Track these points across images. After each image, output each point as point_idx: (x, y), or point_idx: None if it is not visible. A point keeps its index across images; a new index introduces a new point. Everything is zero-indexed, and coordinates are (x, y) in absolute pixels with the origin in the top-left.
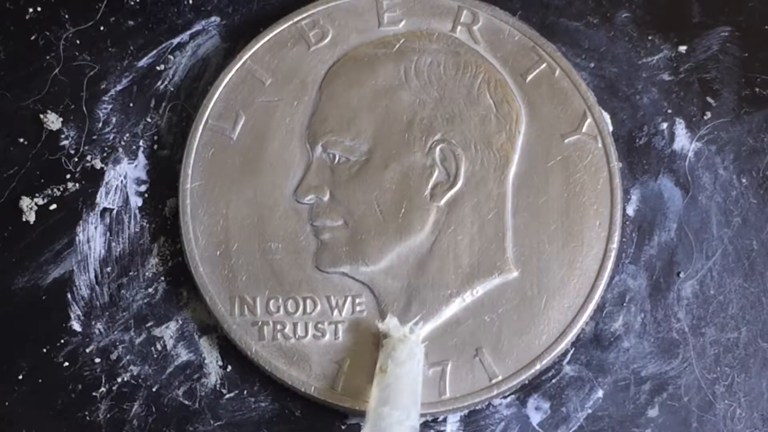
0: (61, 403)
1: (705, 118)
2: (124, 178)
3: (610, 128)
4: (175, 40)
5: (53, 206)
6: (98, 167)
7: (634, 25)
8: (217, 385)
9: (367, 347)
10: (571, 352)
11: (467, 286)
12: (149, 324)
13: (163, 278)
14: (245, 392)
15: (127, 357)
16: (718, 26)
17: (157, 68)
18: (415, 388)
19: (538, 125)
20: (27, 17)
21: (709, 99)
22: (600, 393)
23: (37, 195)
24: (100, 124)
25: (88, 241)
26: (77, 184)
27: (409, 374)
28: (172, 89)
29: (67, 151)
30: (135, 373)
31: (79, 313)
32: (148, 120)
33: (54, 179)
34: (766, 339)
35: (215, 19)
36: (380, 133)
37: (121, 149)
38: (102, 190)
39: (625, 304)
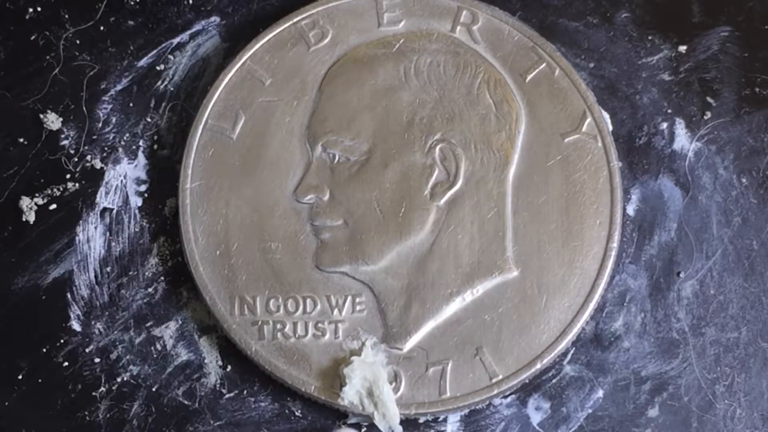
0: (61, 403)
1: (705, 118)
2: (124, 178)
3: (610, 128)
4: (175, 40)
5: (53, 206)
6: (98, 167)
7: (634, 25)
8: (217, 385)
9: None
10: (572, 351)
11: (467, 286)
12: (149, 324)
13: (162, 278)
14: (245, 392)
15: (127, 357)
16: (718, 26)
17: (157, 68)
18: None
19: (537, 125)
20: (27, 17)
21: (709, 99)
22: (600, 393)
23: (37, 195)
24: (100, 124)
25: (88, 241)
26: (77, 184)
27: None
28: (172, 89)
29: (67, 151)
30: (135, 373)
31: (79, 313)
32: (148, 120)
33: (54, 179)
34: (766, 339)
35: (215, 19)
36: (380, 133)
37: (121, 149)
38: (102, 190)
39: (625, 304)
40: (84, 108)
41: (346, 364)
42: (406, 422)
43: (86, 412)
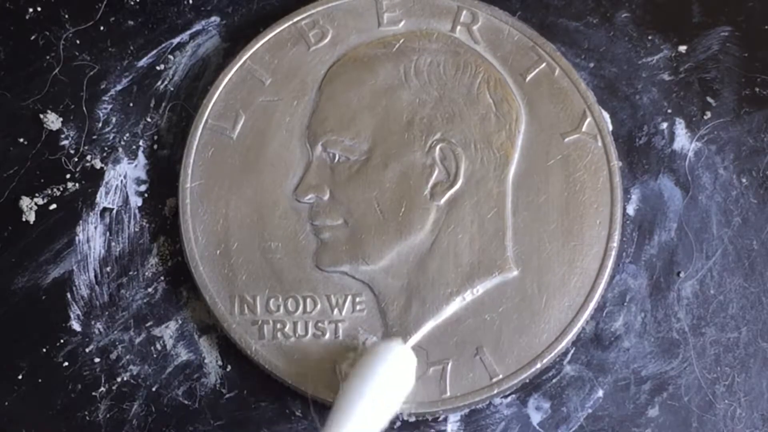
0: (61, 403)
1: (705, 118)
2: (124, 177)
3: (610, 128)
4: (175, 40)
5: (53, 206)
6: (98, 167)
7: (634, 25)
8: (217, 385)
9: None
10: (572, 351)
11: (467, 285)
12: (149, 324)
13: (162, 278)
14: (245, 392)
15: (127, 357)
16: (718, 26)
17: (157, 68)
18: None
19: (537, 124)
20: (27, 17)
21: (709, 99)
22: (600, 393)
23: (37, 195)
24: (100, 124)
25: (88, 241)
26: (77, 184)
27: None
28: (172, 89)
29: (67, 151)
30: (135, 373)
31: (79, 312)
32: (148, 120)
33: (54, 179)
34: (766, 339)
35: (215, 19)
36: (380, 133)
37: (121, 149)
38: (102, 189)
39: (625, 304)
40: (84, 108)
41: (346, 363)
42: (405, 422)
43: (86, 412)
